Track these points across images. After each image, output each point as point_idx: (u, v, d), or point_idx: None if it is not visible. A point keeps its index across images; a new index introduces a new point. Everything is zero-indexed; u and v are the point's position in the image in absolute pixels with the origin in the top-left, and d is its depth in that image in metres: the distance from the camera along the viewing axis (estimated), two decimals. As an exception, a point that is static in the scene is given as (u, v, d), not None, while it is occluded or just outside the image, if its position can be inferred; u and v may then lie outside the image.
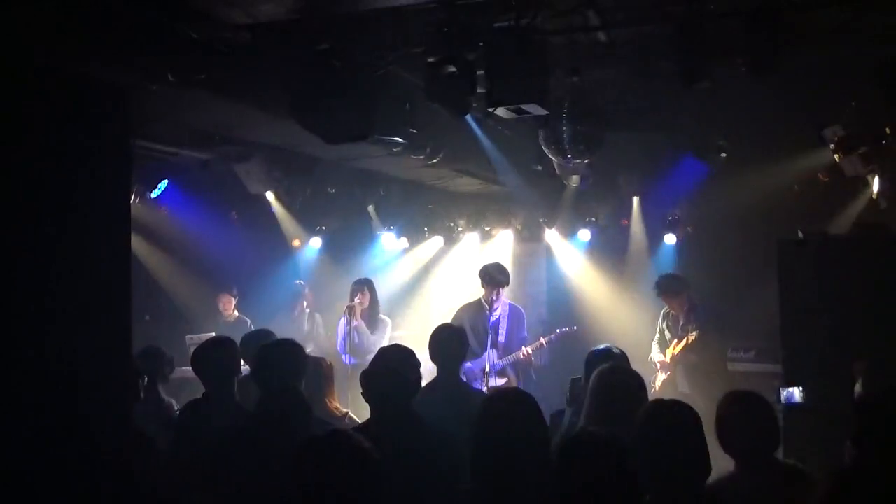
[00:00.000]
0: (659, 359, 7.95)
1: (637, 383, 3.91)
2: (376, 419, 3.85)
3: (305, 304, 9.67)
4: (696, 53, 4.46)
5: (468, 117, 5.71)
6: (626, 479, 2.69)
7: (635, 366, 4.44)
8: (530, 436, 3.01)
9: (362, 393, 3.94)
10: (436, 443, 3.72)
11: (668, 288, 7.93)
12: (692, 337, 7.63)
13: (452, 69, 4.77)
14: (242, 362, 5.44)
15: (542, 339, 7.66)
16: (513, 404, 3.15)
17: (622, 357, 4.51)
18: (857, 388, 4.53)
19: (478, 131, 6.80)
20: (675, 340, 7.84)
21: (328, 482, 2.72)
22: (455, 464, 3.67)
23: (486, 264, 7.78)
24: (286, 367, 4.26)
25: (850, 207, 7.84)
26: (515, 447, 2.97)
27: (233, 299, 9.32)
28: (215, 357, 4.60)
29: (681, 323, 7.87)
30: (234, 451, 3.83)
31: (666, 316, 8.09)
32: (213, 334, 7.61)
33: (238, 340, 5.61)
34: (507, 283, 7.62)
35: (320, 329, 9.52)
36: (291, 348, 4.45)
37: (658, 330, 8.15)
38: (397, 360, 3.98)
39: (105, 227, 3.84)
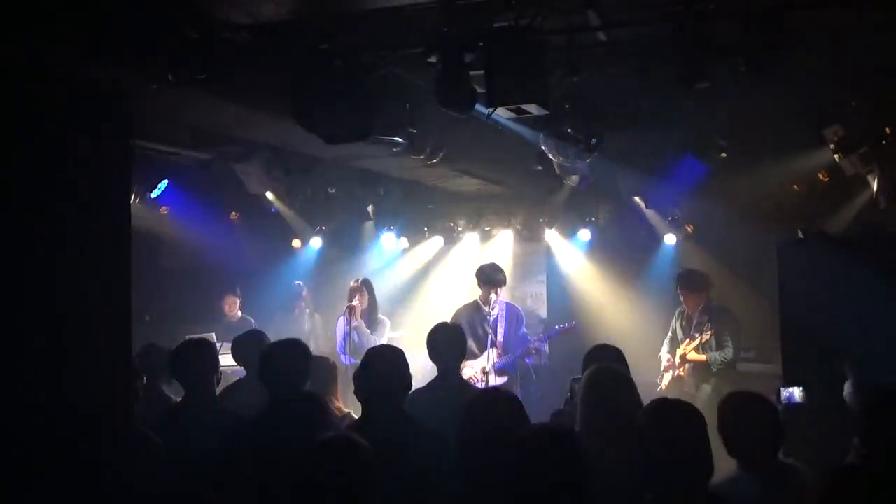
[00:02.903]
0: (666, 358, 7.94)
1: (623, 381, 3.91)
2: (368, 418, 3.86)
3: (304, 304, 9.68)
4: (695, 53, 4.46)
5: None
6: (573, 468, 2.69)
7: (635, 364, 4.45)
8: (510, 432, 3.03)
9: (355, 392, 3.95)
10: (427, 442, 3.73)
11: (689, 283, 7.88)
12: (705, 337, 7.61)
13: (453, 69, 4.77)
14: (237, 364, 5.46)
15: (540, 335, 7.69)
16: (494, 404, 3.18)
17: (618, 355, 4.51)
18: (847, 387, 4.52)
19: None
20: (687, 340, 7.82)
21: (328, 487, 2.74)
22: (447, 462, 3.67)
23: (482, 265, 7.78)
24: (293, 367, 4.26)
25: (850, 207, 7.84)
26: (499, 446, 2.99)
27: (237, 299, 9.34)
28: (191, 359, 4.60)
29: (694, 322, 7.85)
30: (239, 453, 3.83)
31: (680, 315, 8.07)
32: (214, 334, 7.62)
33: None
34: (504, 283, 7.62)
35: (319, 329, 9.53)
36: (298, 349, 4.44)
37: (671, 329, 8.12)
38: (387, 360, 3.98)
39: (105, 227, 3.84)
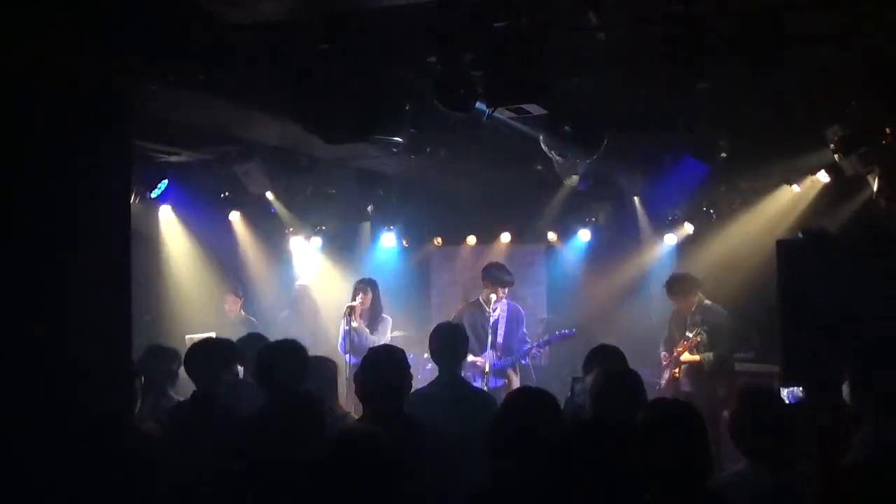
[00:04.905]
0: (664, 356, 7.94)
1: (636, 382, 3.90)
2: (368, 418, 3.87)
3: (307, 303, 9.67)
4: (695, 54, 4.46)
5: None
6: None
7: (634, 365, 4.45)
8: (546, 432, 3.05)
9: (355, 392, 3.95)
10: (427, 441, 3.73)
11: (677, 288, 7.89)
12: (697, 339, 7.61)
13: (453, 69, 4.77)
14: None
15: (539, 341, 7.71)
16: (532, 401, 3.19)
17: (619, 356, 4.52)
18: (846, 387, 4.52)
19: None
20: (682, 340, 7.82)
21: (352, 479, 2.74)
22: (447, 461, 3.67)
23: (488, 265, 7.78)
24: (290, 368, 4.26)
25: (850, 207, 7.84)
26: (532, 443, 2.99)
27: (238, 299, 9.33)
28: (201, 357, 4.61)
29: (688, 322, 7.84)
30: (238, 451, 3.84)
31: (675, 315, 8.08)
32: (214, 334, 7.61)
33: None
34: (512, 284, 7.63)
35: (322, 329, 9.52)
36: (294, 349, 4.44)
37: (667, 328, 8.13)
38: (388, 360, 3.99)
39: (105, 227, 3.84)
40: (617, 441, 2.75)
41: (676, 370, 7.76)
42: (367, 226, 10.30)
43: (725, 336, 7.67)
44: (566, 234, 9.93)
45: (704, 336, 7.65)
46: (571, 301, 9.84)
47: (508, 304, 7.68)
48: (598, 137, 6.07)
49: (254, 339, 5.43)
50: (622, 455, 2.70)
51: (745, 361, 8.15)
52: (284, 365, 4.27)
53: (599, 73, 5.63)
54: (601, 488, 2.66)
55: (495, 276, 7.53)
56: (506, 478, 3.04)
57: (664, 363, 7.90)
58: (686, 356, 7.68)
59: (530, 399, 3.28)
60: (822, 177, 7.99)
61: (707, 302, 7.84)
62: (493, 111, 4.89)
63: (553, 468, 2.73)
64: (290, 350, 4.43)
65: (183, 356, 4.81)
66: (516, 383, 7.48)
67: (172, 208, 8.99)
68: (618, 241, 9.70)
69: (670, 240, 9.30)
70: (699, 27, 4.42)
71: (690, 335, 7.65)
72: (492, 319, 7.46)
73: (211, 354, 4.63)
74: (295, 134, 5.82)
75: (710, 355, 7.59)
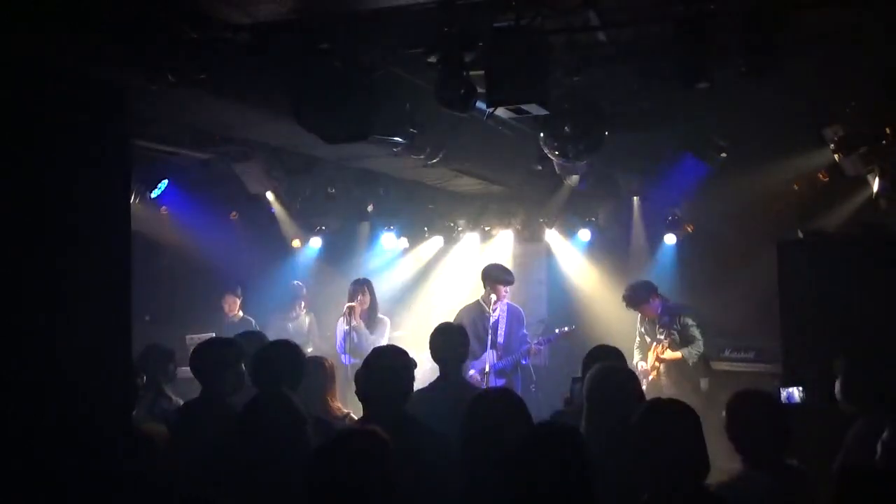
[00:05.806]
0: (641, 366, 7.88)
1: (630, 380, 3.90)
2: (369, 418, 3.86)
3: (304, 304, 9.68)
4: (696, 53, 4.46)
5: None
6: (581, 471, 2.69)
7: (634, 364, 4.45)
8: (514, 433, 3.03)
9: (356, 392, 3.95)
10: (428, 442, 3.73)
11: (634, 299, 7.89)
12: (666, 342, 7.63)
13: (453, 69, 4.77)
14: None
15: (540, 339, 7.70)
16: (497, 403, 3.18)
17: (618, 355, 4.51)
18: (837, 385, 4.53)
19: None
20: (654, 344, 7.82)
21: (352, 478, 2.73)
22: (449, 462, 3.68)
23: (488, 265, 7.77)
24: (283, 368, 4.26)
25: (850, 207, 7.84)
26: (500, 445, 2.99)
27: (237, 299, 9.34)
28: (207, 357, 4.61)
29: (657, 325, 7.84)
30: (224, 452, 3.84)
31: (643, 320, 8.08)
32: (214, 334, 7.61)
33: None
34: (511, 283, 7.63)
35: (316, 329, 9.53)
36: (289, 350, 4.44)
37: (638, 333, 8.13)
38: (390, 361, 3.99)
39: (105, 227, 3.84)
40: (581, 445, 2.74)
41: (654, 373, 7.75)
42: (367, 226, 10.30)
43: (697, 330, 7.68)
44: (566, 233, 9.93)
45: (676, 335, 7.66)
46: (571, 301, 9.82)
47: (509, 305, 7.68)
48: (598, 137, 6.07)
49: (253, 339, 5.44)
50: (587, 458, 2.69)
51: (745, 361, 8.15)
52: (281, 366, 4.27)
53: (599, 72, 5.63)
54: (566, 492, 2.65)
55: (495, 276, 7.53)
56: (479, 479, 3.03)
57: (642, 369, 7.82)
58: (668, 354, 7.67)
59: (494, 401, 3.27)
60: (822, 177, 7.99)
61: (670, 301, 7.86)
62: (493, 111, 4.89)
63: (517, 470, 2.72)
64: (287, 351, 4.43)
65: (179, 356, 4.81)
66: (517, 383, 7.48)
67: (172, 208, 8.99)
68: (618, 241, 9.69)
69: (670, 240, 9.30)
70: (700, 27, 4.42)
71: (662, 338, 7.65)
72: (492, 320, 7.46)
73: (218, 354, 4.63)
74: (295, 134, 5.82)
75: (687, 351, 7.60)
